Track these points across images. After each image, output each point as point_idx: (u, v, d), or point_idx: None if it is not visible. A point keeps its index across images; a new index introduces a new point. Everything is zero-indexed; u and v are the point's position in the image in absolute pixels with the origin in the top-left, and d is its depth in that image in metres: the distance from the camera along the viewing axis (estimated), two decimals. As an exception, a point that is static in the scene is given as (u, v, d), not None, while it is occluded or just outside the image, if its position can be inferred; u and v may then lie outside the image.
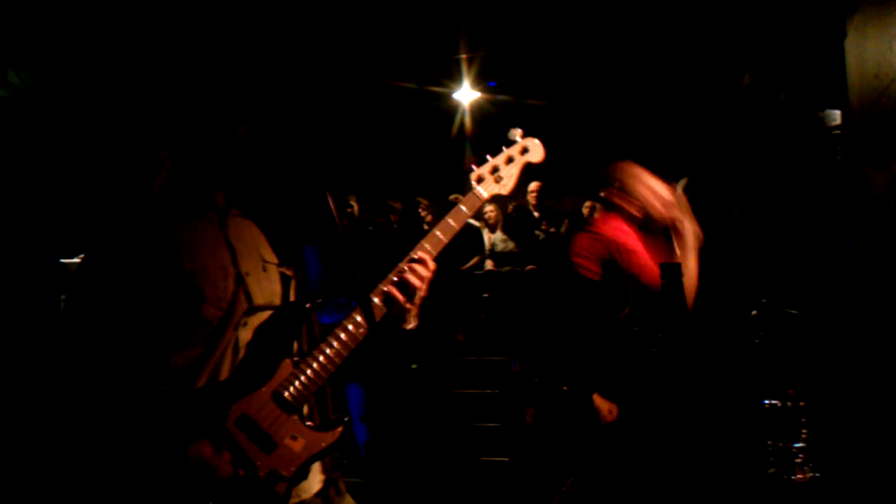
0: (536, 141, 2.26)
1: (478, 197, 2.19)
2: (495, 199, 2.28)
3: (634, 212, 3.51)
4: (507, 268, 8.20)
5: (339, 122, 9.15)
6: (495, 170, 2.22)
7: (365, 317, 1.92)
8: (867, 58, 4.12)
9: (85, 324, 1.87)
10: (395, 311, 2.03)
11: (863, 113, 4.17)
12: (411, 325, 2.09)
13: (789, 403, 3.97)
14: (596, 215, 3.73)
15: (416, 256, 2.06)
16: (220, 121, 1.99)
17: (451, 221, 2.13)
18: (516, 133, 2.28)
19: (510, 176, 2.23)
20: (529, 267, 7.98)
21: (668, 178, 5.71)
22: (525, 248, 8.29)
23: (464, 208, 2.16)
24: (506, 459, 5.65)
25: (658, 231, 3.48)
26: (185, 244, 1.94)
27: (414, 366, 5.86)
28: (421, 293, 2.06)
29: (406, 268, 2.04)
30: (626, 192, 3.53)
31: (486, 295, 8.00)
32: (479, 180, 2.21)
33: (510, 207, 8.85)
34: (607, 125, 9.27)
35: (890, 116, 4.04)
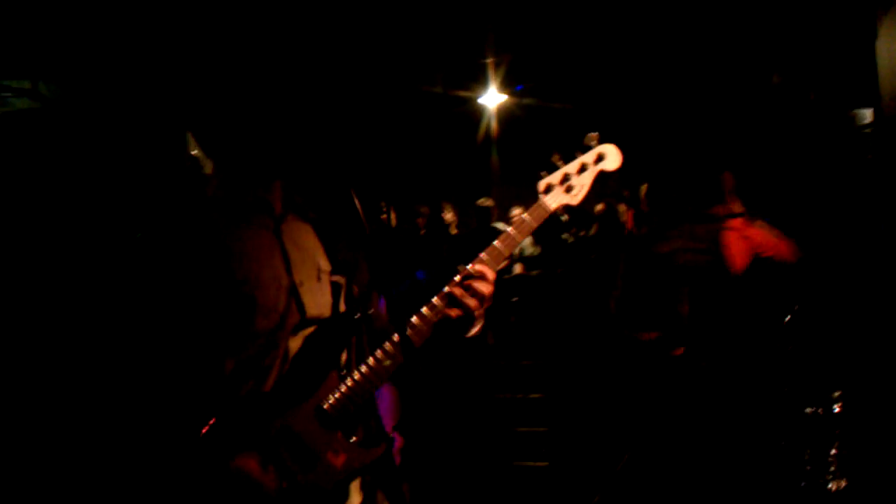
0: (613, 147, 2.06)
1: (544, 208, 2.01)
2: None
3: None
4: (536, 271, 8.18)
5: (365, 127, 9.17)
6: (566, 178, 2.03)
7: (401, 338, 1.86)
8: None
9: (135, 327, 1.85)
10: (458, 316, 1.92)
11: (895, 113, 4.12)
12: (475, 331, 1.99)
13: (820, 410, 3.94)
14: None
15: (473, 270, 1.94)
16: (264, 121, 1.94)
17: (513, 232, 1.99)
18: (593, 138, 2.08)
19: (581, 186, 2.04)
20: (559, 270, 7.95)
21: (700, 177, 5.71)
22: (554, 252, 8.26)
23: (527, 218, 2.00)
24: (536, 464, 5.63)
25: None
26: (240, 252, 1.91)
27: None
28: (485, 303, 1.94)
29: (464, 279, 1.93)
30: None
31: (515, 299, 7.99)
32: (548, 190, 2.03)
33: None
34: (636, 126, 9.21)
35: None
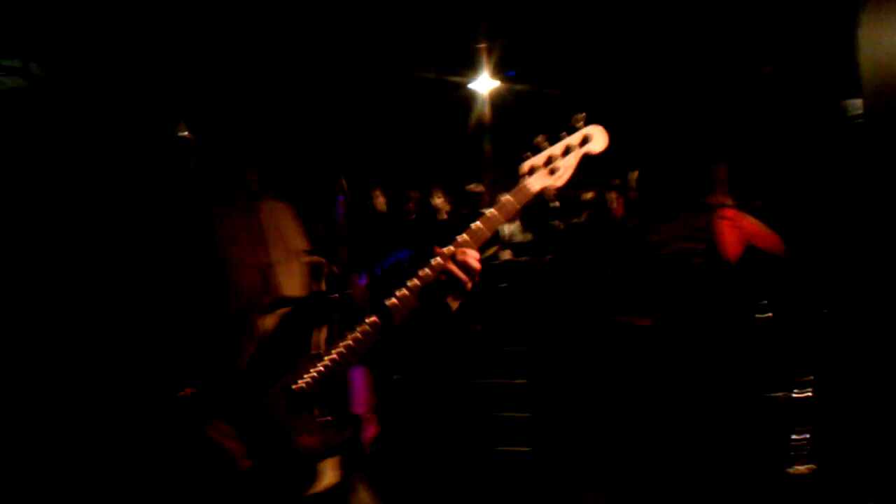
0: (599, 128, 2.03)
1: (527, 189, 2.00)
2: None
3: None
4: (525, 258, 8.18)
5: (356, 112, 9.15)
6: (550, 160, 2.01)
7: (379, 316, 1.88)
8: (882, 48, 4.10)
9: (112, 304, 1.87)
10: (434, 296, 1.94)
11: (880, 104, 4.14)
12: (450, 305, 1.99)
13: (780, 395, 4.02)
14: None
15: (451, 250, 1.96)
16: (247, 103, 1.95)
17: (495, 213, 2.00)
18: (579, 119, 2.05)
19: (566, 168, 2.01)
20: (547, 257, 7.96)
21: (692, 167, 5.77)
22: (543, 239, 8.27)
23: (510, 199, 2.00)
24: (523, 449, 5.66)
25: None
26: (214, 231, 1.92)
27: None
28: (464, 283, 1.95)
29: (442, 259, 1.95)
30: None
31: (503, 285, 7.99)
32: (531, 171, 2.01)
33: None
34: (627, 115, 9.21)
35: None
